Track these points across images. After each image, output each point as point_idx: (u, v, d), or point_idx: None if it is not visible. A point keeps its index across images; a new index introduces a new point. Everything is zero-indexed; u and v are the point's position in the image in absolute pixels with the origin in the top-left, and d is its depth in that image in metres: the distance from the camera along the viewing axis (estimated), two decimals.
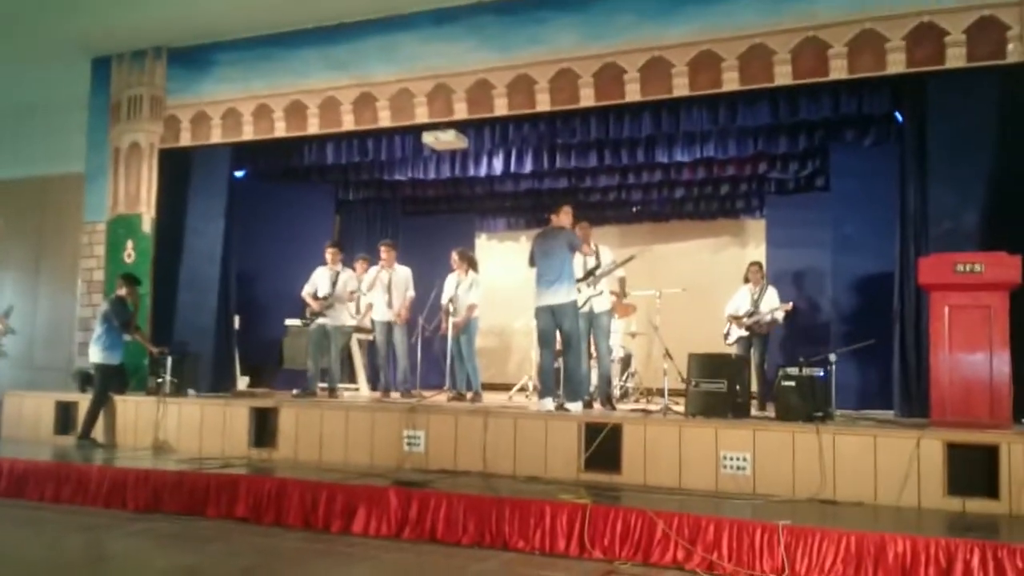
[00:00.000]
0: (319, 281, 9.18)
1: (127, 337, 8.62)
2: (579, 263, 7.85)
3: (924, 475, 5.57)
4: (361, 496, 5.77)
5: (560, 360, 7.72)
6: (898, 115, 7.92)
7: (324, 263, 9.30)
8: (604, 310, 7.99)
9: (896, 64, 7.03)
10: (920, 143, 7.40)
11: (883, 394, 8.05)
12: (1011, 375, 5.98)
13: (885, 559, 4.56)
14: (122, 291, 8.60)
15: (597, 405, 7.94)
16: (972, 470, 5.50)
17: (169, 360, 8.50)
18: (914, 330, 7.32)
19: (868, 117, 8.27)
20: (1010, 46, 6.72)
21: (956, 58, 6.86)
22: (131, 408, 8.30)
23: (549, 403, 7.26)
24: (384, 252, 9.48)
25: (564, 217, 7.55)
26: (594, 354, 8.39)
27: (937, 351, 6.07)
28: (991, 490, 5.41)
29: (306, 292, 9.17)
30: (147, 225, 9.64)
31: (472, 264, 9.45)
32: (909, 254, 7.41)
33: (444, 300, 9.28)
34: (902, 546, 4.55)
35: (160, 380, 8.44)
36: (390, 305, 9.35)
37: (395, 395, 9.23)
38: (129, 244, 9.63)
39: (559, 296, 7.28)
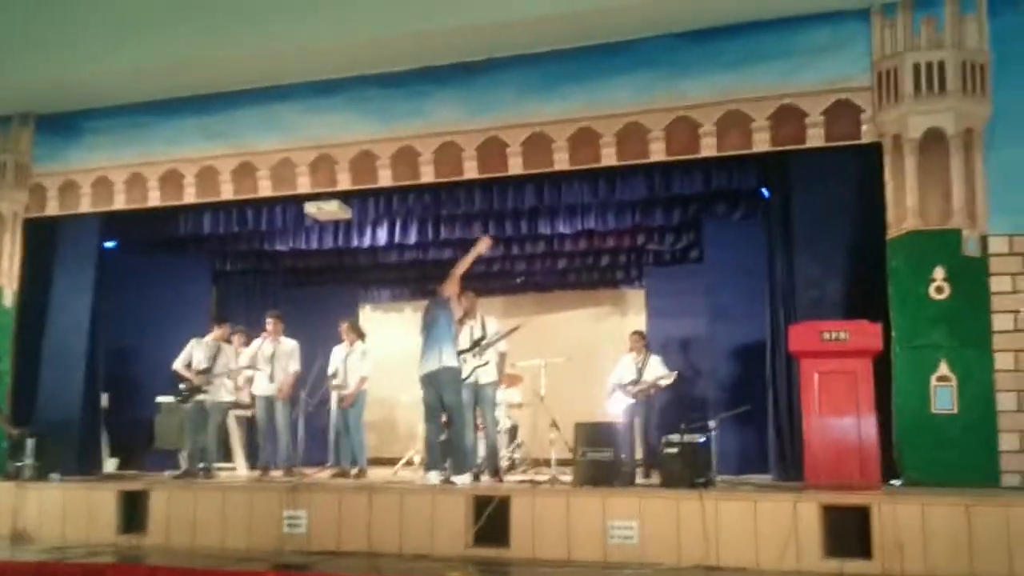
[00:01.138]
0: (195, 354, 8.80)
1: None
2: (465, 334, 7.86)
3: (802, 538, 5.72)
4: None
5: (446, 432, 7.66)
6: (764, 190, 8.35)
7: (199, 335, 8.96)
8: (490, 381, 8.00)
9: (761, 143, 7.41)
10: (785, 216, 7.83)
11: (760, 458, 8.30)
12: (878, 438, 6.28)
13: None
14: None
15: (485, 477, 7.87)
16: (847, 532, 5.70)
17: (30, 442, 7.97)
18: (787, 395, 7.61)
19: (737, 192, 8.69)
20: (864, 127, 7.21)
21: (816, 138, 7.30)
22: None
23: (435, 476, 7.17)
24: (271, 324, 9.18)
25: (450, 286, 7.57)
26: (480, 425, 8.35)
27: (808, 416, 6.32)
28: (865, 551, 5.60)
29: (179, 364, 8.74)
30: (8, 298, 9.10)
31: (360, 335, 9.28)
32: (779, 322, 7.76)
33: (331, 371, 9.06)
34: None
35: (20, 463, 7.89)
36: (272, 379, 9.04)
37: (276, 473, 8.87)
38: None
39: (433, 363, 7.28)
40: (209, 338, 8.89)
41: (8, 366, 8.75)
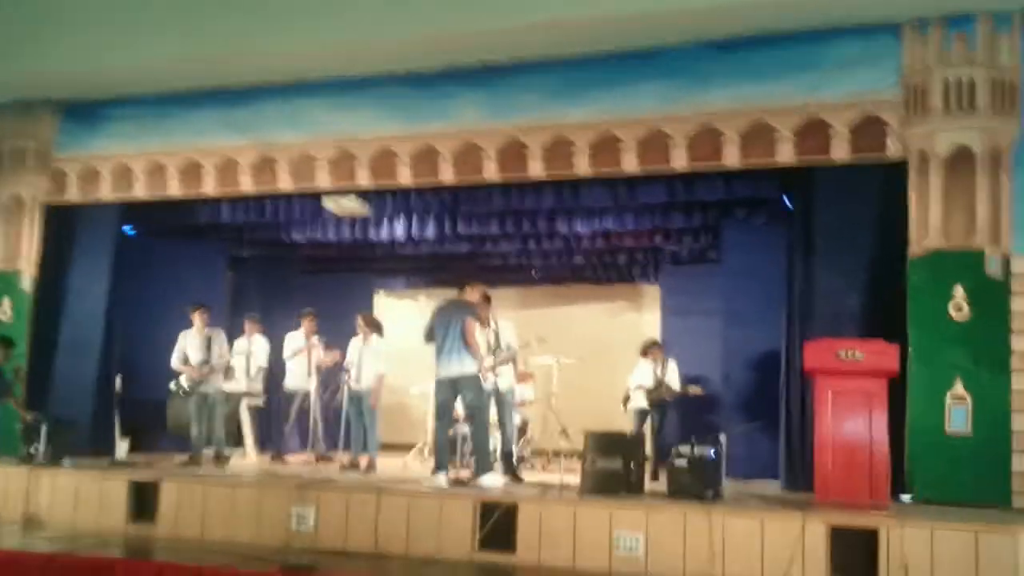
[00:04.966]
0: (188, 347, 8.87)
1: None
2: (480, 339, 7.86)
3: (809, 558, 5.69)
4: None
5: (455, 430, 7.65)
6: (787, 200, 8.27)
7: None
8: (508, 387, 7.98)
9: (785, 154, 7.34)
10: (807, 227, 7.74)
11: (770, 465, 8.26)
12: (890, 455, 6.24)
13: None
14: None
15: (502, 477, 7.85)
16: (854, 553, 5.66)
17: (44, 426, 8.01)
18: (799, 406, 7.57)
19: (759, 200, 8.60)
20: (890, 142, 7.13)
21: (841, 151, 7.22)
22: (0, 478, 7.78)
23: (443, 478, 7.17)
24: (307, 323, 9.68)
25: (473, 294, 7.55)
26: (496, 428, 8.32)
27: (821, 434, 6.29)
28: (871, 573, 5.58)
29: (176, 362, 8.84)
30: (27, 283, 9.18)
31: (377, 329, 9.28)
32: (795, 333, 7.70)
33: (345, 364, 9.12)
34: None
35: (33, 449, 7.95)
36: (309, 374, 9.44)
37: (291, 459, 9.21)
38: (6, 302, 9.15)
39: (456, 367, 7.25)
40: (196, 328, 8.92)
41: (24, 350, 8.80)
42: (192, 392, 8.72)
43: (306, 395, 9.57)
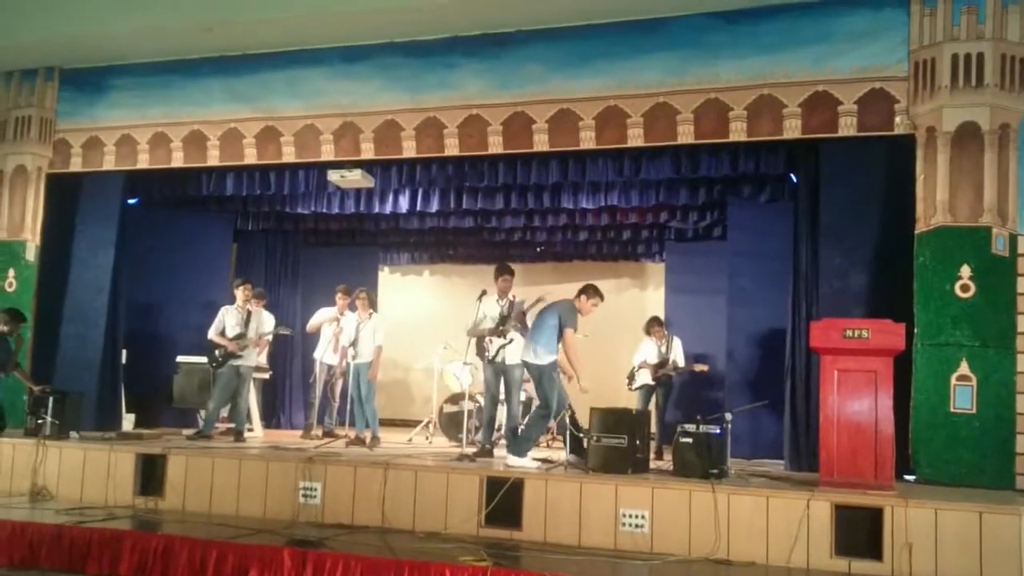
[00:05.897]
0: (227, 320, 8.89)
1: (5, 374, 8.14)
2: (493, 312, 7.90)
3: (813, 536, 5.73)
4: (253, 556, 5.58)
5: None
6: (793, 176, 8.23)
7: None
8: (515, 363, 7.93)
9: (792, 130, 7.31)
10: (813, 204, 7.71)
11: (775, 444, 8.30)
12: (894, 435, 6.25)
13: None
14: (3, 327, 8.10)
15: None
16: (858, 532, 5.69)
17: (51, 399, 8.03)
18: (804, 386, 7.58)
19: (765, 176, 8.55)
20: (897, 119, 7.09)
21: (848, 127, 7.19)
22: (7, 450, 7.76)
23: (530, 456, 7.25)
24: (340, 299, 9.69)
25: (587, 304, 7.45)
26: (502, 402, 8.34)
27: (826, 413, 6.26)
28: (875, 552, 5.61)
29: (213, 333, 8.83)
30: (31, 253, 9.18)
31: (374, 305, 9.30)
32: (801, 311, 7.70)
33: (345, 341, 9.15)
34: None
35: (40, 421, 7.97)
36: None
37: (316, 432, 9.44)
38: (11, 273, 9.16)
39: (531, 356, 7.32)
40: (238, 303, 8.95)
41: (30, 321, 8.79)
42: (223, 363, 8.74)
43: (331, 368, 9.72)
